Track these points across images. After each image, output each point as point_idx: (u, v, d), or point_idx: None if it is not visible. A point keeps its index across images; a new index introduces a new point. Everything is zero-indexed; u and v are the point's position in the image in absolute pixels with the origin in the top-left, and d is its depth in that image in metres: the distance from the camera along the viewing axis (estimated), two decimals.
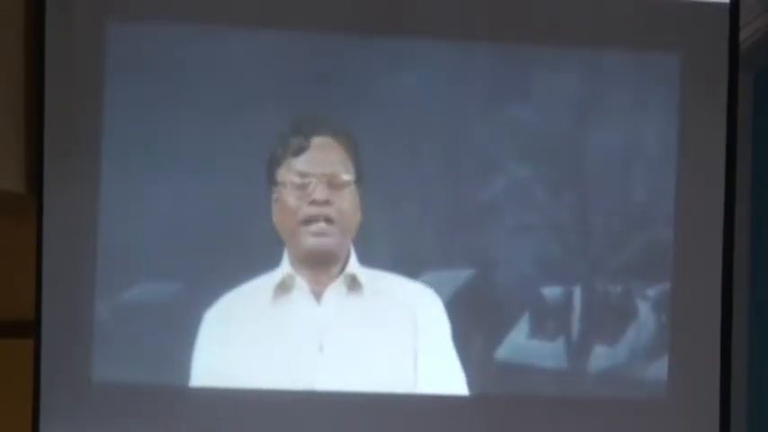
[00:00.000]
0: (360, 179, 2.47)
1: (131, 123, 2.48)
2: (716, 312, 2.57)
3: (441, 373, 2.53)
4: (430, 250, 2.52)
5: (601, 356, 2.56)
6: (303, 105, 2.49)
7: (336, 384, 2.51)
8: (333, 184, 2.46)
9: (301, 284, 2.49)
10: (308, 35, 2.50)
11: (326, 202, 2.45)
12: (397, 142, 2.50)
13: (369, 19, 2.52)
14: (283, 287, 2.49)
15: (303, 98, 2.49)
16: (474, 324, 2.53)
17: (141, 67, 2.47)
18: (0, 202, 2.57)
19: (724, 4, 2.58)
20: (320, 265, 2.49)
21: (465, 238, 2.52)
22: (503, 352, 2.54)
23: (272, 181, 2.47)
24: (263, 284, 2.48)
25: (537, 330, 2.55)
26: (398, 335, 2.52)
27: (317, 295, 2.50)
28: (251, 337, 2.49)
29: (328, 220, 2.46)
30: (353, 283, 2.50)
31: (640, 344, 2.57)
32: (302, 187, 2.46)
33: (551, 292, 2.55)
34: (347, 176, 2.47)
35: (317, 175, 2.46)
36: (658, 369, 2.57)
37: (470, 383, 2.53)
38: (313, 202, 2.45)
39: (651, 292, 2.57)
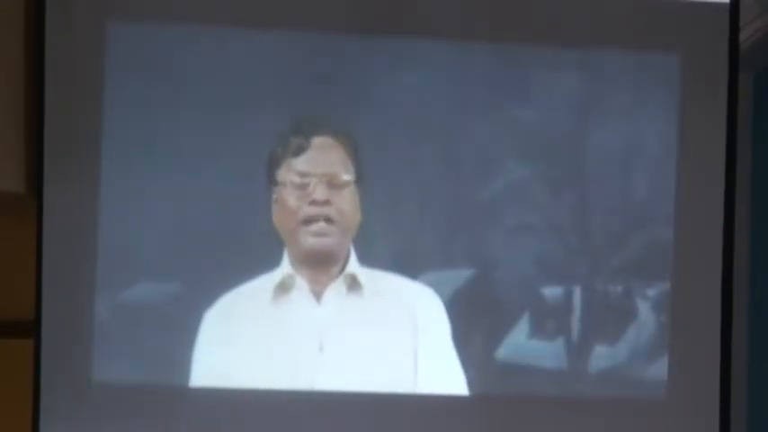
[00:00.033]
0: (360, 179, 2.47)
1: (131, 123, 2.47)
2: (716, 312, 2.57)
3: (441, 373, 2.53)
4: (430, 250, 2.52)
5: (601, 356, 2.56)
6: (303, 105, 2.49)
7: (336, 384, 2.51)
8: (333, 184, 2.46)
9: (301, 284, 2.49)
10: (308, 35, 2.50)
11: (326, 202, 2.45)
12: (397, 142, 2.50)
13: (369, 19, 2.52)
14: (283, 287, 2.49)
15: (303, 98, 2.49)
16: (474, 324, 2.53)
17: (141, 67, 2.47)
18: (0, 202, 2.56)
19: (724, 4, 2.58)
20: (320, 264, 2.48)
21: (465, 237, 2.52)
22: (503, 352, 2.54)
23: (272, 181, 2.47)
24: (262, 284, 2.48)
25: (537, 330, 2.55)
26: (398, 335, 2.52)
27: (317, 295, 2.50)
28: (251, 337, 2.49)
29: (328, 219, 2.46)
30: (353, 283, 2.50)
31: (640, 344, 2.57)
32: (302, 187, 2.46)
33: (551, 291, 2.55)
34: (347, 176, 2.47)
35: (317, 175, 2.46)
36: (658, 369, 2.57)
37: (470, 383, 2.53)
38: (313, 202, 2.45)
39: (651, 291, 2.57)
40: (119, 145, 2.47)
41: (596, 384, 2.56)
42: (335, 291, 2.50)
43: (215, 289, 2.47)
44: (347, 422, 2.52)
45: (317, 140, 2.48)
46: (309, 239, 2.46)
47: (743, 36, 2.70)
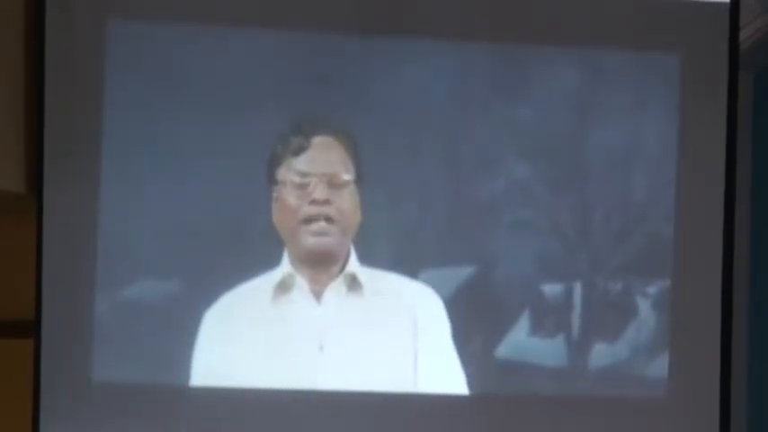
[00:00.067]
0: (360, 179, 2.47)
1: (131, 123, 2.47)
2: (716, 310, 2.57)
3: (441, 372, 2.53)
4: (430, 249, 2.52)
5: (601, 354, 2.56)
6: (303, 105, 2.49)
7: (336, 384, 2.51)
8: (333, 183, 2.46)
9: (301, 284, 2.49)
10: (308, 35, 2.51)
11: (327, 202, 2.46)
12: (397, 142, 2.50)
13: (369, 19, 2.52)
14: (283, 286, 2.49)
15: (303, 98, 2.49)
16: (474, 322, 2.53)
17: (141, 67, 2.47)
18: (0, 202, 2.56)
19: (724, 3, 2.58)
20: (320, 264, 2.49)
21: (465, 236, 2.52)
22: (503, 350, 2.54)
23: (272, 180, 2.47)
24: (262, 284, 2.48)
25: (537, 328, 2.55)
26: (398, 334, 2.51)
27: (317, 295, 2.50)
28: (251, 337, 2.49)
29: (328, 219, 2.46)
30: (353, 283, 2.50)
31: (640, 341, 2.57)
32: (302, 187, 2.46)
33: (551, 289, 2.55)
34: (347, 176, 2.47)
35: (318, 174, 2.46)
36: (659, 366, 2.57)
37: (470, 382, 2.53)
38: (313, 202, 2.45)
39: (651, 289, 2.57)
40: (119, 145, 2.47)
41: (596, 382, 2.56)
42: (335, 290, 2.50)
43: (215, 288, 2.47)
44: (347, 422, 2.52)
45: (318, 140, 2.48)
46: (309, 239, 2.47)
47: (743, 36, 2.70)
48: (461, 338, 2.52)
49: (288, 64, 2.50)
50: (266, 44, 2.50)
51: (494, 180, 2.53)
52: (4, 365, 2.64)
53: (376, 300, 2.51)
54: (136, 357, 2.48)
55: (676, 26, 2.57)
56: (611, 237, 2.56)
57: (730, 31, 2.58)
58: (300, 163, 2.47)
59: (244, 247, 2.47)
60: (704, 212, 2.57)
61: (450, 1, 2.53)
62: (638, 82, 2.57)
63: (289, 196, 2.46)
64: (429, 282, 2.51)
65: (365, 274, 2.50)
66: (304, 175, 2.46)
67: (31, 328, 2.48)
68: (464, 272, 2.52)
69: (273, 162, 2.47)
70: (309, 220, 2.46)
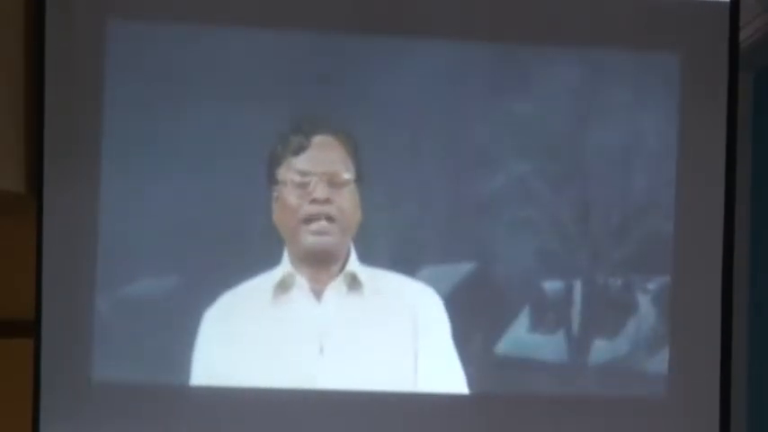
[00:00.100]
0: (360, 178, 2.48)
1: (131, 123, 2.47)
2: (716, 306, 2.57)
3: (441, 372, 2.53)
4: (430, 247, 2.52)
5: (601, 350, 2.56)
6: (303, 105, 2.49)
7: (337, 383, 2.50)
8: (333, 182, 2.46)
9: (301, 283, 2.49)
10: (307, 35, 2.51)
11: (327, 201, 2.46)
12: (397, 141, 2.50)
13: (369, 19, 2.53)
14: (283, 286, 2.49)
15: (303, 98, 2.49)
16: (474, 319, 2.53)
17: (141, 67, 2.47)
18: (0, 202, 2.56)
19: (724, 3, 2.58)
20: (320, 263, 2.48)
21: (465, 233, 2.52)
22: (503, 346, 2.54)
23: (272, 180, 2.47)
24: (263, 283, 2.48)
25: (537, 324, 2.55)
26: (399, 334, 2.51)
27: (318, 294, 2.50)
28: (251, 336, 2.49)
29: (329, 218, 2.46)
30: (354, 282, 2.50)
31: (641, 337, 2.57)
32: (303, 186, 2.46)
33: (552, 285, 2.55)
34: (347, 175, 2.47)
35: (318, 173, 2.46)
36: (658, 363, 2.57)
37: (470, 379, 2.53)
38: (313, 201, 2.45)
39: (651, 285, 2.57)
40: (119, 145, 2.47)
41: (596, 378, 2.56)
42: (336, 289, 2.50)
43: (215, 288, 2.47)
44: (347, 421, 2.52)
45: (318, 139, 2.48)
46: (310, 238, 2.47)
47: (743, 36, 2.70)
48: (461, 336, 2.52)
49: (288, 64, 2.50)
50: (266, 44, 2.50)
51: (494, 177, 2.53)
52: (4, 365, 2.64)
53: (376, 299, 2.51)
54: (136, 357, 2.48)
55: (676, 26, 2.57)
56: (611, 233, 2.56)
57: (730, 31, 2.58)
58: (300, 162, 2.47)
59: (244, 247, 2.47)
60: (704, 212, 2.57)
61: (450, 1, 2.53)
62: (638, 82, 2.57)
63: (289, 195, 2.46)
64: (429, 279, 2.51)
65: (365, 273, 2.50)
66: (304, 174, 2.46)
67: (31, 328, 2.47)
68: (464, 268, 2.52)
69: (273, 161, 2.47)
70: (310, 219, 2.46)
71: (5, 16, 2.49)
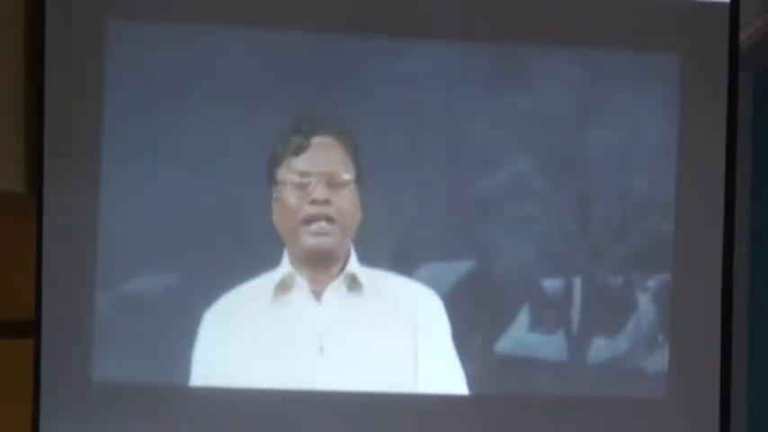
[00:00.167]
0: (360, 178, 2.48)
1: (131, 123, 2.47)
2: (716, 304, 2.58)
3: (441, 372, 2.53)
4: (430, 246, 2.52)
5: (601, 348, 2.57)
6: (303, 105, 2.49)
7: (336, 384, 2.51)
8: (333, 183, 2.46)
9: (301, 284, 2.49)
10: (307, 35, 2.51)
11: (326, 202, 2.45)
12: (397, 141, 2.50)
13: (369, 19, 2.52)
14: (283, 287, 2.49)
15: (303, 98, 2.49)
16: (474, 317, 2.53)
17: (141, 67, 2.47)
18: (0, 202, 2.56)
19: (724, 3, 2.58)
20: (320, 264, 2.48)
21: (465, 231, 2.52)
22: (503, 345, 2.54)
23: (272, 180, 2.47)
24: (262, 284, 2.48)
25: (537, 323, 2.55)
26: (398, 335, 2.51)
27: (317, 295, 2.50)
28: (251, 337, 2.49)
29: (328, 219, 2.46)
30: (353, 283, 2.50)
31: (641, 335, 2.57)
32: (302, 186, 2.46)
33: (552, 284, 2.55)
34: (347, 176, 2.47)
35: (317, 174, 2.46)
36: (658, 361, 2.57)
37: (470, 378, 2.53)
38: (313, 202, 2.45)
39: (651, 283, 2.57)
40: (119, 145, 2.47)
41: (596, 377, 2.57)
42: (335, 290, 2.50)
43: (215, 288, 2.47)
44: (347, 422, 2.52)
45: (317, 140, 2.48)
46: (309, 239, 2.46)
47: (743, 36, 2.70)
48: (461, 333, 2.52)
49: (288, 64, 2.50)
50: (266, 44, 2.50)
51: (494, 176, 2.53)
52: (4, 365, 2.64)
53: (376, 300, 2.51)
54: (136, 357, 2.48)
55: (676, 26, 2.57)
56: (611, 232, 2.56)
57: (730, 31, 2.58)
58: (300, 163, 2.47)
59: (244, 248, 2.47)
60: (704, 212, 2.57)
61: (450, 1, 2.53)
62: (638, 82, 2.57)
63: (289, 196, 2.46)
64: (429, 277, 2.51)
65: (365, 274, 2.50)
66: (304, 174, 2.46)
67: (31, 328, 2.47)
68: (464, 267, 2.52)
69: (273, 162, 2.47)
70: (309, 220, 2.46)
71: (5, 16, 2.49)
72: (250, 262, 2.47)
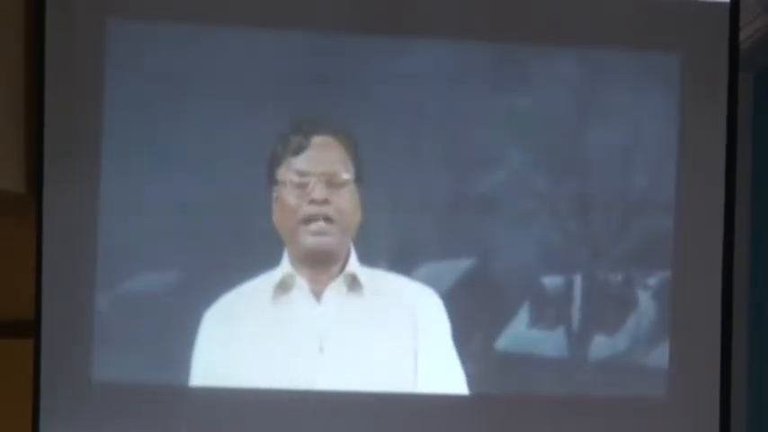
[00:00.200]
0: (359, 178, 2.47)
1: (131, 123, 2.47)
2: (716, 304, 2.58)
3: (441, 372, 2.53)
4: (430, 244, 2.52)
5: (601, 346, 2.57)
6: (303, 105, 2.49)
7: (336, 384, 2.51)
8: (332, 183, 2.46)
9: (301, 284, 2.49)
10: (307, 35, 2.51)
11: (325, 202, 2.45)
12: (397, 141, 2.50)
13: (369, 19, 2.52)
14: (283, 286, 2.49)
15: (303, 98, 2.49)
16: (474, 314, 2.53)
17: (141, 67, 2.47)
18: (0, 202, 2.56)
19: (724, 3, 2.58)
20: (320, 264, 2.48)
21: (465, 229, 2.52)
22: (503, 342, 2.54)
23: (272, 180, 2.47)
24: (262, 284, 2.48)
25: (537, 320, 2.55)
26: (398, 334, 2.51)
27: (317, 295, 2.50)
28: (251, 337, 2.49)
29: (328, 219, 2.46)
30: (353, 283, 2.50)
31: (641, 332, 2.57)
32: (302, 186, 2.46)
33: (552, 281, 2.55)
34: (347, 175, 2.47)
35: (317, 174, 2.46)
36: (658, 358, 2.57)
37: (470, 376, 2.53)
38: (312, 201, 2.45)
39: (652, 280, 2.57)
40: (119, 145, 2.47)
41: (597, 374, 2.57)
42: (335, 290, 2.50)
43: (215, 288, 2.47)
44: (347, 422, 2.52)
45: (317, 139, 2.48)
46: (309, 239, 2.47)
47: (743, 36, 2.70)
48: (461, 333, 2.52)
49: (288, 64, 2.50)
50: (266, 44, 2.50)
51: (494, 175, 2.53)
52: (4, 365, 2.63)
53: (376, 300, 2.51)
54: (136, 357, 2.48)
55: (676, 26, 2.57)
56: (611, 230, 2.56)
57: (730, 31, 2.58)
58: (300, 162, 2.47)
59: (244, 247, 2.47)
60: (704, 211, 2.57)
61: (451, 1, 2.53)
62: (638, 82, 2.57)
63: (288, 196, 2.46)
64: (428, 275, 2.51)
65: (365, 273, 2.50)
66: (303, 174, 2.46)
67: (31, 328, 2.48)
68: (464, 265, 2.52)
69: (273, 162, 2.47)
70: (309, 219, 2.46)
71: (5, 16, 2.50)
72: (250, 262, 2.47)
